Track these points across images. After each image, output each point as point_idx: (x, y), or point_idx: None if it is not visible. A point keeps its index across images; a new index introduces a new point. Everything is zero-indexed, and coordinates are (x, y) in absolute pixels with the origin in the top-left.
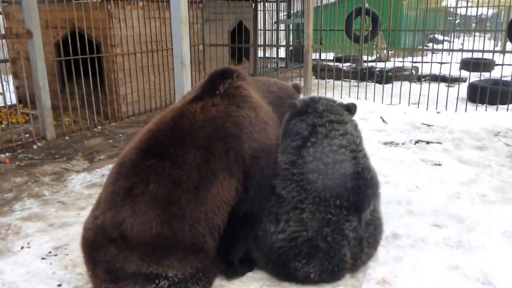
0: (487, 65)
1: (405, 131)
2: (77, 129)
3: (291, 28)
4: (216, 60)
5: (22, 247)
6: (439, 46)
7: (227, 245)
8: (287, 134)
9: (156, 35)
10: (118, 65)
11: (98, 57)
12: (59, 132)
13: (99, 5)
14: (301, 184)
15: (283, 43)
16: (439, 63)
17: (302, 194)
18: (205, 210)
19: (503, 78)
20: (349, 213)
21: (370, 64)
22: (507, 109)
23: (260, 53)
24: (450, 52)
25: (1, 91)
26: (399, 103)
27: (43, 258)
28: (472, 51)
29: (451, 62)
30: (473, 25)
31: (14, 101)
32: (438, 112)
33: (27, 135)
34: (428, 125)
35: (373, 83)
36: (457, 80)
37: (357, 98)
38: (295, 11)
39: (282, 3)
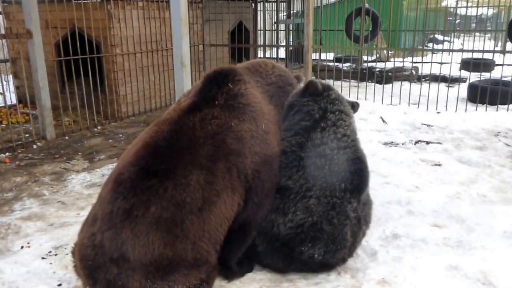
0: (487, 65)
1: (405, 131)
2: (77, 129)
3: (291, 28)
4: (216, 60)
5: (22, 247)
6: (439, 46)
7: (224, 251)
8: (296, 109)
9: (156, 35)
10: (118, 65)
11: (98, 57)
12: (59, 132)
13: (99, 5)
14: (308, 171)
15: (283, 43)
16: (439, 63)
17: (310, 181)
18: (208, 228)
19: (503, 78)
20: (351, 195)
21: (370, 64)
22: (507, 109)
23: (260, 53)
24: (450, 52)
25: (1, 91)
26: (399, 103)
27: (43, 258)
28: (472, 51)
29: (451, 62)
30: (473, 25)
31: (14, 101)
32: (438, 112)
33: (27, 135)
34: (428, 125)
35: (373, 83)
36: (457, 80)
37: (357, 98)
38: (295, 11)
39: (282, 3)
